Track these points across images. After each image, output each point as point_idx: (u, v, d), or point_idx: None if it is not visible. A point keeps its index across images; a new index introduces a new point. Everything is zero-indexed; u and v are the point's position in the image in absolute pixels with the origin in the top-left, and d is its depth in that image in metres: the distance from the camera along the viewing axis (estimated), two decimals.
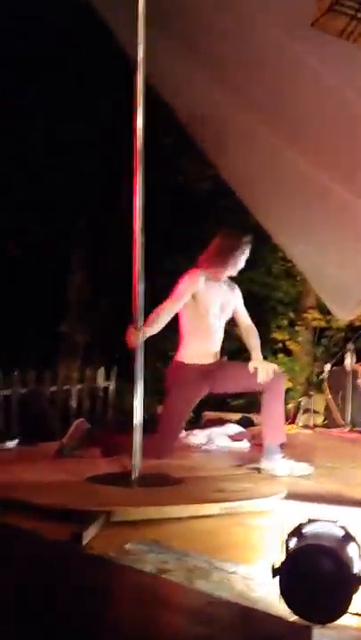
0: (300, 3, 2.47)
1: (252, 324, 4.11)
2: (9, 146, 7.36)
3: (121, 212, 8.35)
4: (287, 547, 1.52)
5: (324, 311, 7.65)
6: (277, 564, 1.52)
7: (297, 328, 8.24)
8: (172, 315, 3.76)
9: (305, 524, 1.58)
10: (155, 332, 3.60)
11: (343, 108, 3.87)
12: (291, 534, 1.55)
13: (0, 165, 7.40)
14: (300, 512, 2.67)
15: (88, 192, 8.30)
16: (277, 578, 1.51)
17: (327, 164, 4.52)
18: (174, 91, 4.98)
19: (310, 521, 1.58)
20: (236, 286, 4.09)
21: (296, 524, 1.61)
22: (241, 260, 3.95)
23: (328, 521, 1.58)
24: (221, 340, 4.00)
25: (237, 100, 4.53)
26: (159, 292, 7.95)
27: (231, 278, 4.08)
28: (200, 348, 3.90)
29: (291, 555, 1.46)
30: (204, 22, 3.99)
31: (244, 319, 4.10)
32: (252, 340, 4.03)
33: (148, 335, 3.49)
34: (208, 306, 3.86)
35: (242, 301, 4.10)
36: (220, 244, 3.94)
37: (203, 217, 8.40)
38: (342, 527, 1.58)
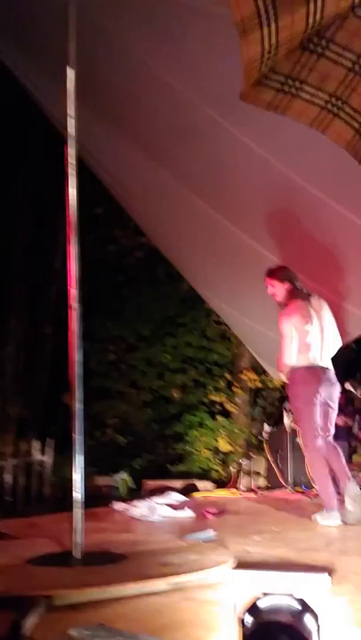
0: (228, 78, 2.56)
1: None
2: None
3: (55, 280, 8.35)
4: (243, 624, 1.45)
5: (259, 371, 7.72)
6: None
7: (234, 389, 8.27)
8: None
9: (260, 599, 1.51)
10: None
11: (271, 177, 4.00)
12: (246, 610, 1.48)
13: None
14: (250, 582, 2.60)
15: (20, 261, 8.25)
16: None
17: (258, 231, 4.64)
18: (103, 163, 5.06)
19: (265, 595, 1.51)
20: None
21: (250, 599, 1.54)
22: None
23: (284, 594, 1.52)
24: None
25: (166, 170, 4.63)
26: (91, 357, 7.86)
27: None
28: None
29: (248, 633, 1.39)
30: (133, 98, 4.09)
31: None
32: None
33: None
34: None
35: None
36: None
37: (136, 284, 8.46)
38: (299, 599, 1.52)
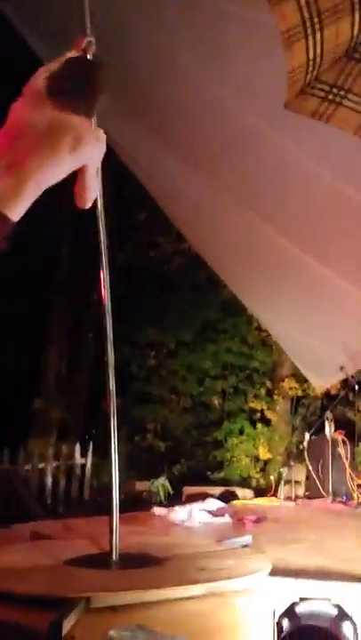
0: (273, 86, 2.57)
1: None
2: None
3: (96, 287, 8.45)
4: (280, 628, 1.45)
5: (301, 380, 7.67)
6: None
7: (274, 397, 8.23)
8: None
9: (297, 604, 1.52)
10: None
11: (315, 184, 3.99)
12: (283, 614, 1.48)
13: None
14: (287, 589, 2.59)
15: (62, 269, 8.37)
16: None
17: (301, 238, 4.63)
18: (146, 170, 5.11)
19: (302, 599, 1.52)
20: None
21: (288, 604, 1.55)
22: None
23: (321, 599, 1.52)
24: None
25: (209, 178, 4.65)
26: (131, 362, 7.94)
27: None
28: None
29: (285, 637, 1.40)
30: (176, 107, 4.13)
31: None
32: None
33: None
34: None
35: None
36: None
37: (177, 290, 8.50)
38: (336, 605, 1.52)
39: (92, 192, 2.92)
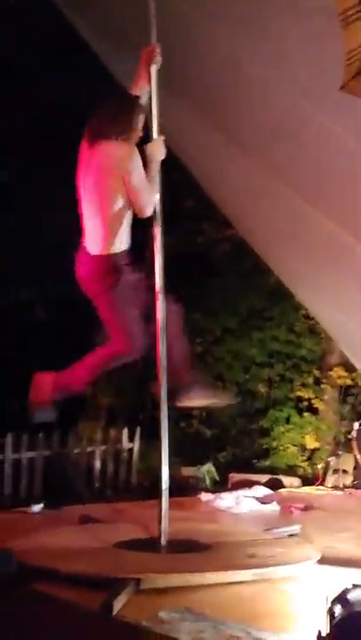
0: (320, 69, 2.54)
1: None
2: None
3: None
4: (332, 614, 1.46)
5: (350, 369, 7.56)
6: (322, 632, 1.45)
7: (322, 386, 8.14)
8: None
9: (350, 590, 1.52)
10: None
11: None
12: (335, 601, 1.49)
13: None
14: (335, 577, 2.58)
15: None
16: None
17: (351, 224, 4.55)
18: (193, 156, 5.10)
19: (355, 586, 1.52)
20: None
21: (340, 591, 1.55)
22: None
23: None
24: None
25: (258, 165, 4.61)
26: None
27: None
28: None
29: (338, 623, 1.40)
30: (223, 91, 4.11)
31: None
32: None
33: None
34: None
35: None
36: None
37: (223, 276, 8.47)
38: None
39: (142, 199, 3.14)
